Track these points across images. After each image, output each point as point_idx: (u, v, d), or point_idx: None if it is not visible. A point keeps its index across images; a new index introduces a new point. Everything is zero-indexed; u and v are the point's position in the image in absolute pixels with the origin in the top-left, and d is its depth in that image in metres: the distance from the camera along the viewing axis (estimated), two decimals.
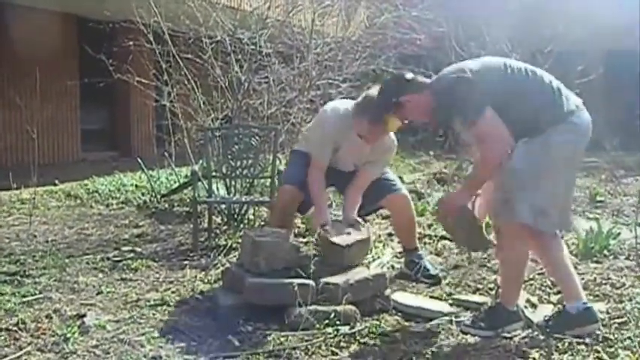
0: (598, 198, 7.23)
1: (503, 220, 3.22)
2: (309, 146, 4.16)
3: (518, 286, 3.39)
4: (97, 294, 3.89)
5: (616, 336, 3.14)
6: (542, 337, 3.16)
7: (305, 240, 4.95)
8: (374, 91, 3.69)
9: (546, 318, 3.31)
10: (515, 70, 3.24)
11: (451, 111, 3.23)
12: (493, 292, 3.80)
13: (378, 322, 3.37)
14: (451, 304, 3.66)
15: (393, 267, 4.40)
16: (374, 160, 4.11)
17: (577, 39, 8.61)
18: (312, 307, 3.23)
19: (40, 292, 3.88)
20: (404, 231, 4.37)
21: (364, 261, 3.88)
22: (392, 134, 4.04)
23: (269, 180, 5.43)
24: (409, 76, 3.40)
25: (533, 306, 3.58)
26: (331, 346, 3.06)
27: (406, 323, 3.41)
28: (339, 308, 3.30)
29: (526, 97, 3.18)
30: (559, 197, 3.24)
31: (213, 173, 5.50)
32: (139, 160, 7.41)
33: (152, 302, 3.70)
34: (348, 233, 3.79)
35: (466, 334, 3.25)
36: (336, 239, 3.69)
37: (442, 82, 3.30)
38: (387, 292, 3.65)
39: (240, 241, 4.45)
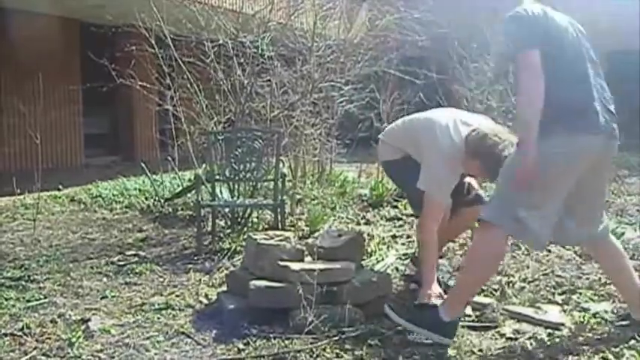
0: None
1: (486, 218, 3.01)
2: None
3: (471, 293, 3.21)
4: (102, 298, 3.90)
5: (621, 336, 3.14)
6: (546, 338, 3.16)
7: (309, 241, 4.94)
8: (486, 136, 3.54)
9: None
10: None
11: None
12: (498, 293, 3.80)
13: (382, 325, 3.36)
14: None
15: (397, 269, 4.39)
16: None
17: None
18: (317, 310, 3.22)
19: (45, 297, 3.89)
20: (452, 237, 4.37)
21: (369, 263, 3.86)
22: None
23: (272, 183, 5.44)
24: None
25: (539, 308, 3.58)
26: (336, 348, 3.06)
27: None
28: (343, 311, 3.29)
29: None
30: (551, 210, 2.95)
31: (217, 177, 5.51)
32: (143, 165, 7.42)
33: (157, 306, 3.71)
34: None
35: (386, 314, 3.25)
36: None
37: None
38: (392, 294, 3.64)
39: (244, 244, 4.45)
